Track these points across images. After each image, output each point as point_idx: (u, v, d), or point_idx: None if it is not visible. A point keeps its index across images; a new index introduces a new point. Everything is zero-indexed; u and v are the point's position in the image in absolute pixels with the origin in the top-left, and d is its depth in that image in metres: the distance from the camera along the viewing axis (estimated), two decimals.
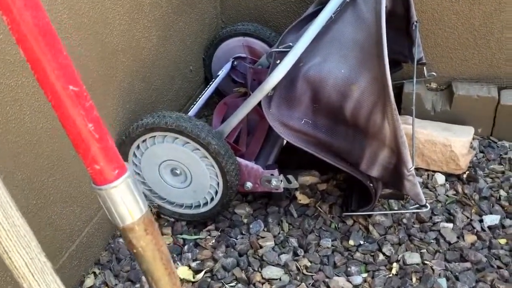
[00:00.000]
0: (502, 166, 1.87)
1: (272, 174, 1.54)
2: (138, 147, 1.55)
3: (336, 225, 1.65)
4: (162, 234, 1.65)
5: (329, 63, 1.42)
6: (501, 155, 1.92)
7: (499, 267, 1.48)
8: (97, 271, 1.52)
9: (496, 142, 1.99)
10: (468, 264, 1.49)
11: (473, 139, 1.99)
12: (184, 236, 1.63)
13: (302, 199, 1.74)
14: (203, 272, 1.50)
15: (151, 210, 1.64)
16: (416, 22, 1.81)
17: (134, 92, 1.64)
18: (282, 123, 1.46)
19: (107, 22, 1.44)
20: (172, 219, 1.68)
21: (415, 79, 1.72)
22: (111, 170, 0.70)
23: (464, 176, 1.82)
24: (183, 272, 1.50)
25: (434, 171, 1.85)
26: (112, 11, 1.46)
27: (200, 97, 1.84)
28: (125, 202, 0.72)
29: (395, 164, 1.41)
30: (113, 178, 0.70)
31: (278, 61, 1.46)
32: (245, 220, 1.68)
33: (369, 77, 1.34)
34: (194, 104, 1.79)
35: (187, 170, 1.55)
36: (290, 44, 1.56)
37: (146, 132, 1.50)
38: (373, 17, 1.37)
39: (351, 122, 1.40)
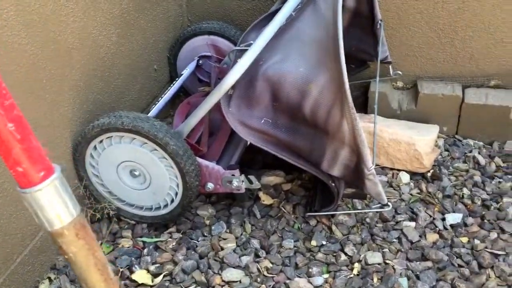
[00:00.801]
0: (466, 164, 1.88)
1: (233, 175, 1.52)
2: (95, 148, 1.51)
3: (299, 226, 1.63)
4: (122, 237, 1.61)
5: (288, 61, 1.40)
6: (465, 153, 1.93)
7: (460, 266, 1.48)
8: (53, 276, 1.48)
9: (461, 141, 2.00)
10: (429, 263, 1.48)
11: (438, 137, 2.00)
12: (144, 239, 1.59)
13: (266, 199, 1.71)
14: (161, 276, 1.47)
15: (109, 213, 1.60)
16: (381, 21, 1.81)
17: (92, 91, 1.60)
18: (241, 122, 1.44)
19: (60, 19, 1.40)
20: (133, 222, 1.64)
21: (378, 78, 1.72)
22: (36, 172, 0.66)
23: (429, 174, 1.82)
24: (141, 276, 1.46)
25: (399, 170, 1.85)
26: (65, 8, 1.41)
27: (162, 97, 1.80)
28: (53, 206, 0.69)
29: (356, 163, 1.39)
30: (38, 180, 0.67)
31: (238, 60, 1.44)
32: (208, 222, 1.65)
33: (327, 76, 1.32)
34: (156, 104, 1.75)
35: (145, 172, 1.51)
36: (251, 42, 1.54)
37: (102, 132, 1.46)
38: (331, 15, 1.35)
39: (311, 121, 1.39)
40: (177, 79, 1.92)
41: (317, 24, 1.40)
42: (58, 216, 0.69)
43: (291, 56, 1.40)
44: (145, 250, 1.55)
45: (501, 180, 1.80)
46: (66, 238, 0.71)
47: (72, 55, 1.47)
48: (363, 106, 2.16)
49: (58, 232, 0.70)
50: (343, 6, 1.84)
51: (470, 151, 1.94)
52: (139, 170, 1.52)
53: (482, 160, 1.88)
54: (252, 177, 1.53)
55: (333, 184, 1.49)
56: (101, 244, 1.59)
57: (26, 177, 0.66)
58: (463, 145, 1.97)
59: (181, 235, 1.61)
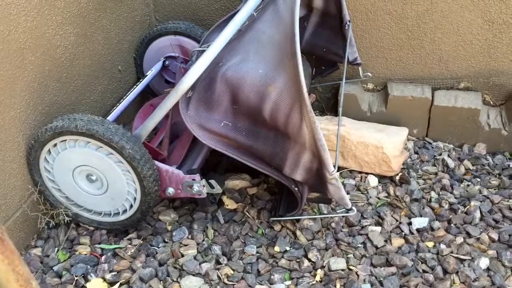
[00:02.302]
0: (435, 167, 1.86)
1: (193, 179, 1.47)
2: (49, 152, 1.46)
3: (263, 231, 1.59)
4: (80, 243, 1.56)
5: (247, 63, 1.36)
6: (435, 156, 1.91)
7: (424, 271, 1.45)
8: None
9: (431, 143, 1.97)
10: (393, 269, 1.45)
11: (408, 140, 1.97)
12: (103, 245, 1.54)
13: (230, 204, 1.67)
14: (118, 284, 1.42)
15: (65, 219, 1.55)
16: (349, 22, 1.78)
17: (48, 93, 1.54)
18: (200, 125, 1.39)
19: (10, 18, 1.34)
20: (91, 228, 1.59)
21: (344, 80, 1.69)
22: None
23: (397, 178, 1.80)
24: (97, 284, 1.41)
25: (367, 173, 1.82)
26: (16, 6, 1.36)
27: (125, 99, 1.75)
28: None
29: (317, 167, 1.36)
30: None
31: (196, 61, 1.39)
32: (170, 227, 1.61)
33: (285, 78, 1.28)
34: (116, 106, 1.70)
35: (102, 176, 1.46)
36: (211, 43, 1.50)
37: (55, 136, 1.40)
38: (289, 15, 1.31)
39: (271, 124, 1.35)
40: (141, 80, 1.87)
41: (277, 24, 1.36)
42: None
43: (250, 57, 1.36)
44: (103, 258, 1.50)
45: (469, 183, 1.78)
46: None
47: (25, 55, 1.41)
48: (334, 108, 2.14)
49: None
50: (311, 6, 1.82)
51: (440, 154, 1.92)
52: (96, 175, 1.47)
53: (451, 163, 1.86)
54: (213, 182, 1.49)
55: (296, 189, 1.45)
56: (58, 251, 1.53)
57: None
58: (432, 147, 1.95)
59: (141, 242, 1.56)
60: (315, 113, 2.13)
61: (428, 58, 1.95)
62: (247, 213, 1.64)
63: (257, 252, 1.52)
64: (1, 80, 1.34)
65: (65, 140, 1.42)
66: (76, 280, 1.43)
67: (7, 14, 1.33)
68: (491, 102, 1.97)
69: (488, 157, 1.90)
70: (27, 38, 1.41)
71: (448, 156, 1.90)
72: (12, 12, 1.35)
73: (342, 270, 1.45)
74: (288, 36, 1.29)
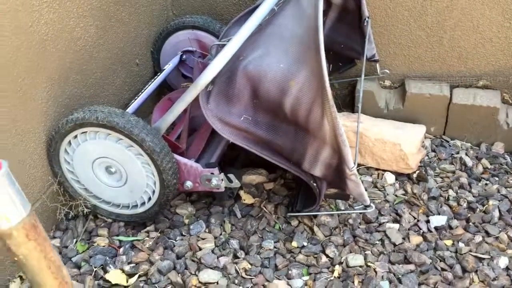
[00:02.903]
0: (453, 165, 1.84)
1: (212, 173, 1.47)
2: (69, 143, 1.46)
3: (280, 226, 1.59)
4: (98, 235, 1.56)
5: (269, 57, 1.35)
6: (452, 154, 1.90)
7: (443, 269, 1.44)
8: (24, 276, 1.43)
9: (448, 141, 1.96)
10: (411, 266, 1.45)
11: (425, 138, 1.96)
12: (121, 237, 1.55)
13: (247, 198, 1.67)
14: (136, 276, 1.42)
15: (84, 211, 1.56)
16: (368, 18, 1.77)
17: (68, 85, 1.55)
18: (220, 119, 1.39)
19: (33, 9, 1.34)
20: (109, 220, 1.60)
21: (363, 76, 1.68)
22: None
23: (414, 175, 1.79)
24: (116, 276, 1.41)
25: (384, 170, 1.81)
26: None
27: (143, 92, 1.75)
28: None
29: (337, 163, 1.35)
30: None
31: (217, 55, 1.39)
32: (187, 221, 1.61)
33: (307, 73, 1.28)
34: (135, 100, 1.70)
35: (122, 168, 1.46)
36: (232, 37, 1.49)
37: (76, 127, 1.41)
38: (312, 10, 1.30)
39: (292, 119, 1.34)
40: (158, 74, 1.87)
41: (299, 19, 1.36)
42: (5, 216, 0.65)
43: (272, 51, 1.36)
44: (121, 249, 1.51)
45: (487, 182, 1.77)
46: (15, 240, 0.67)
47: (46, 47, 1.42)
48: (350, 104, 2.13)
49: (5, 233, 0.66)
50: (330, 2, 1.81)
51: (457, 152, 1.90)
52: (115, 167, 1.47)
53: (469, 162, 1.84)
54: (231, 176, 1.49)
55: (314, 184, 1.45)
56: (76, 242, 1.54)
57: None
58: (450, 146, 1.94)
59: (159, 234, 1.56)
60: None
61: (447, 55, 1.93)
62: (264, 208, 1.64)
63: (274, 247, 1.51)
64: (23, 71, 1.35)
65: (86, 131, 1.42)
66: (95, 271, 1.43)
67: (30, 6, 1.33)
68: (510, 101, 1.95)
69: (506, 156, 1.89)
70: (49, 30, 1.42)
71: (466, 154, 1.89)
72: (35, 4, 1.35)
73: (360, 266, 1.45)
74: (311, 31, 1.29)
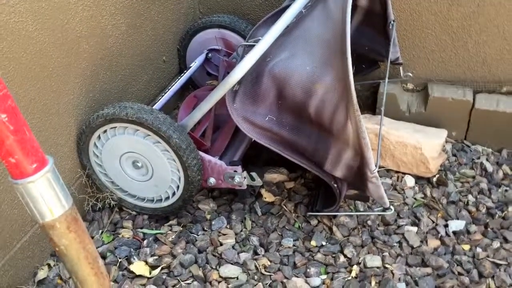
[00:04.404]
0: (473, 170, 1.85)
1: (235, 171, 1.51)
2: (99, 137, 1.51)
3: (300, 225, 1.62)
4: (123, 227, 1.61)
5: (295, 59, 1.38)
6: (473, 159, 1.90)
7: (460, 274, 1.46)
8: (52, 263, 1.49)
9: (469, 146, 1.97)
10: (429, 270, 1.47)
11: (446, 142, 1.97)
12: (144, 230, 1.60)
13: (268, 197, 1.71)
14: (159, 268, 1.47)
15: (110, 203, 1.61)
16: (393, 21, 1.78)
17: (99, 80, 1.60)
18: (245, 119, 1.43)
19: (69, 7, 1.39)
20: (134, 213, 1.65)
21: (387, 79, 1.70)
22: (28, 164, 0.66)
23: (434, 179, 1.80)
24: (139, 267, 1.46)
25: (404, 173, 1.83)
26: None
27: (170, 89, 1.80)
28: (45, 198, 0.68)
29: (359, 165, 1.38)
30: (31, 172, 0.67)
31: (245, 55, 1.42)
32: (208, 216, 1.65)
33: (333, 76, 1.30)
34: (162, 96, 1.74)
35: (148, 163, 1.51)
36: (260, 38, 1.52)
37: (106, 122, 1.46)
38: (340, 14, 1.33)
39: (316, 121, 1.37)
40: (185, 71, 1.92)
41: (326, 23, 1.38)
42: (50, 208, 0.69)
43: (298, 54, 1.39)
44: (145, 242, 1.56)
45: (507, 188, 1.77)
46: (58, 231, 0.71)
47: (80, 43, 1.47)
48: (372, 106, 2.14)
49: (49, 224, 0.70)
50: (355, 4, 1.83)
51: (478, 158, 1.91)
52: (142, 162, 1.52)
53: (489, 167, 1.85)
54: (254, 174, 1.52)
55: (335, 185, 1.48)
56: (102, 233, 1.59)
57: (19, 168, 0.66)
58: (471, 151, 1.94)
59: (181, 228, 1.61)
60: None
61: (472, 60, 1.93)
62: (284, 207, 1.68)
63: (293, 245, 1.55)
64: (58, 67, 1.40)
65: (115, 127, 1.47)
66: (120, 262, 1.49)
67: (66, 3, 1.38)
68: None
69: None
70: (83, 27, 1.47)
71: (487, 160, 1.89)
72: (71, 2, 1.40)
73: (378, 267, 1.48)
74: (338, 35, 1.31)
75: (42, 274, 1.45)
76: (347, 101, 1.27)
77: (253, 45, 1.46)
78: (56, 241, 0.72)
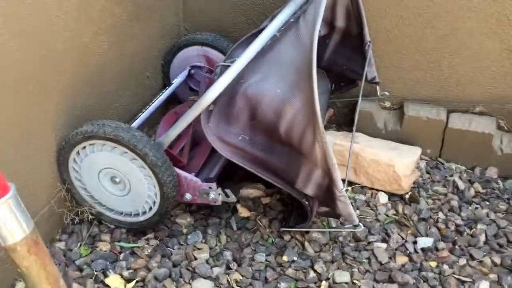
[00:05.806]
0: (445, 188, 1.91)
1: (210, 187, 1.56)
2: (78, 153, 1.56)
3: (273, 240, 1.67)
4: (101, 240, 1.66)
5: (267, 82, 1.44)
6: (446, 177, 1.96)
7: None
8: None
9: (443, 164, 2.02)
10: (395, 286, 1.52)
11: (421, 159, 2.03)
12: (122, 243, 1.64)
13: (243, 212, 1.75)
14: (134, 282, 1.51)
15: (89, 217, 1.66)
16: (369, 42, 1.84)
17: (80, 97, 1.65)
18: (219, 138, 1.48)
19: (52, 29, 1.45)
20: (113, 226, 1.69)
21: (360, 98, 1.75)
22: None
23: (407, 196, 1.85)
24: (115, 281, 1.51)
25: (378, 190, 1.88)
26: (57, 18, 1.46)
27: (150, 105, 1.85)
28: (6, 223, 0.73)
29: (328, 184, 1.43)
30: None
31: (220, 77, 1.48)
32: (185, 230, 1.70)
33: (301, 99, 1.36)
34: (142, 112, 1.79)
35: (125, 179, 1.56)
36: (236, 59, 1.58)
37: (85, 139, 1.51)
38: (309, 39, 1.38)
39: (286, 141, 1.42)
40: (166, 87, 1.97)
41: (297, 47, 1.44)
42: (11, 232, 0.74)
43: (270, 76, 1.44)
44: (122, 255, 1.60)
45: (478, 206, 1.83)
46: (19, 254, 0.76)
47: (62, 62, 1.52)
48: (351, 123, 2.19)
49: (11, 247, 0.75)
50: (334, 25, 1.89)
51: (451, 175, 1.96)
52: (120, 177, 1.57)
53: (461, 185, 1.90)
54: (228, 191, 1.57)
55: (306, 203, 1.53)
56: (80, 246, 1.64)
57: None
58: (444, 168, 2.00)
59: (158, 242, 1.65)
60: (332, 127, 2.21)
61: (446, 81, 2.00)
62: (259, 222, 1.73)
63: (266, 260, 1.60)
64: (40, 86, 1.45)
65: (94, 143, 1.52)
66: (96, 275, 1.53)
67: (49, 25, 1.43)
68: (505, 128, 2.00)
69: (499, 181, 1.94)
70: (65, 47, 1.52)
71: (459, 177, 1.95)
72: (53, 23, 1.45)
73: (346, 283, 1.52)
74: (306, 59, 1.37)
75: (20, 285, 1.49)
76: (314, 125, 1.33)
77: (228, 66, 1.52)
78: (18, 263, 0.76)
